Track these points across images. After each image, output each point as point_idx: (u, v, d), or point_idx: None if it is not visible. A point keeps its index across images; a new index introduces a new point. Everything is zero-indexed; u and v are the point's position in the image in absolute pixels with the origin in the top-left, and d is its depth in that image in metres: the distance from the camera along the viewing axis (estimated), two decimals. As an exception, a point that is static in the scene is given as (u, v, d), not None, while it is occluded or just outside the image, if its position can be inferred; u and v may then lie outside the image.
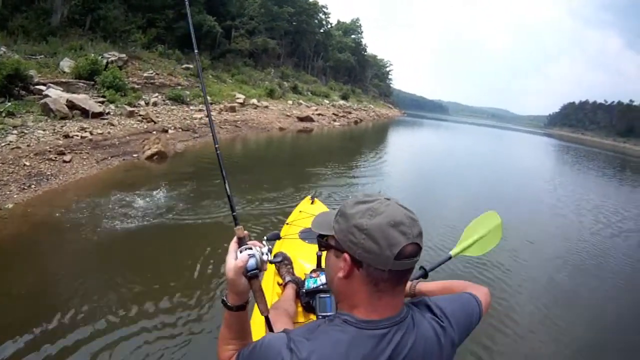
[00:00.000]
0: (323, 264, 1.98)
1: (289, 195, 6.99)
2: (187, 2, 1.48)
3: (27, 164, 6.92)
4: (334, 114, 30.62)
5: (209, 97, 17.21)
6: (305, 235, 2.80)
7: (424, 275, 1.56)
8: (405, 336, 0.87)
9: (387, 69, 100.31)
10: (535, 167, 19.93)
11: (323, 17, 54.91)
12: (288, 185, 7.76)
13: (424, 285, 1.33)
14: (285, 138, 17.67)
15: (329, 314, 1.65)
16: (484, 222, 1.83)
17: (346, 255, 0.86)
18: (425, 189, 10.40)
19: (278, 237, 1.49)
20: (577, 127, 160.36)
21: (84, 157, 7.99)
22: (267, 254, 1.06)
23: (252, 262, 1.02)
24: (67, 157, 7.60)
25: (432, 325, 0.94)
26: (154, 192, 6.47)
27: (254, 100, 23.29)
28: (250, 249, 1.05)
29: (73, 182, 6.73)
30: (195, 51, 1.44)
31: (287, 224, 3.30)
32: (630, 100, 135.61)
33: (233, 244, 1.06)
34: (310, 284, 1.94)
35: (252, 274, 1.03)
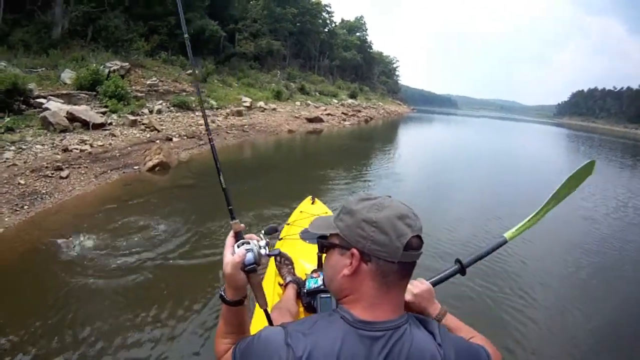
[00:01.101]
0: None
1: (298, 198, 6.36)
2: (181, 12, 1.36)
3: (22, 182, 6.56)
4: (343, 113, 30.08)
5: (214, 102, 16.99)
6: (306, 235, 2.39)
7: (461, 271, 1.46)
8: (399, 343, 0.84)
9: (394, 66, 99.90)
10: (552, 161, 19.12)
11: (327, 16, 54.60)
12: (297, 189, 7.36)
13: (451, 320, 1.22)
14: (294, 141, 17.22)
15: (311, 315, 1.45)
16: (576, 177, 1.76)
17: (354, 250, 0.87)
18: (439, 190, 9.83)
19: (275, 230, 1.40)
20: (587, 116, 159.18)
21: (82, 171, 7.58)
22: (264, 248, 1.05)
23: (249, 257, 1.01)
24: (64, 173, 7.21)
25: (430, 345, 0.87)
26: (149, 213, 5.91)
27: (261, 103, 22.88)
28: (248, 243, 1.04)
29: (68, 201, 6.30)
30: (191, 58, 1.36)
31: (288, 224, 3.31)
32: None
33: (230, 239, 1.07)
34: (311, 284, 1.93)
35: (250, 269, 1.02)
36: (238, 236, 1.07)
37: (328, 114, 26.80)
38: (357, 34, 69.57)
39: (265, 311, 1.14)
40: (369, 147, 16.71)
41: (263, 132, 16.91)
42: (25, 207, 5.73)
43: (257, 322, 1.89)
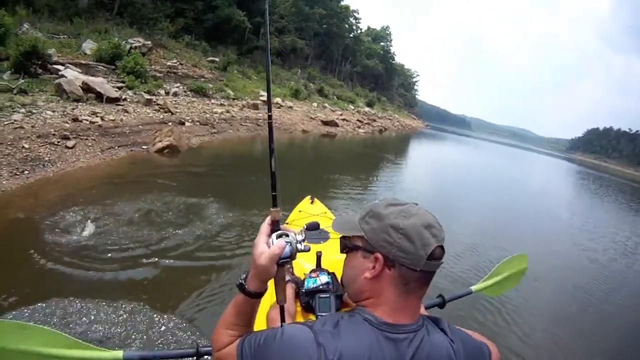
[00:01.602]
0: (322, 264, 2.00)
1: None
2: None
3: (26, 146, 6.39)
4: (358, 120, 29.81)
5: (231, 92, 16.77)
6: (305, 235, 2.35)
7: (441, 305, 1.58)
8: (422, 345, 0.85)
9: (414, 79, 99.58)
10: (563, 196, 18.54)
11: (354, 21, 54.39)
12: (306, 190, 6.90)
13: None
14: (307, 141, 17.00)
15: (328, 314, 1.55)
16: (512, 264, 1.83)
17: (379, 255, 0.86)
18: (444, 210, 9.52)
19: (318, 227, 1.19)
20: (600, 154, 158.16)
21: (89, 144, 7.39)
22: (301, 243, 0.99)
23: (287, 251, 0.96)
24: (70, 143, 7.05)
25: (445, 343, 0.89)
26: (150, 195, 5.63)
27: (279, 100, 22.67)
28: (287, 235, 0.99)
29: (70, 172, 6.12)
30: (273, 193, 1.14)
31: (287, 223, 3.18)
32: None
33: (266, 226, 1.00)
34: (309, 284, 1.87)
35: (283, 262, 0.97)
36: (275, 225, 1.01)
37: (343, 119, 26.54)
38: (382, 43, 69.35)
39: (281, 307, 1.15)
40: (381, 158, 16.34)
41: (277, 129, 16.65)
42: (26, 172, 5.59)
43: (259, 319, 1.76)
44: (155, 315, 3.03)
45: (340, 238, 1.00)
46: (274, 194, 1.10)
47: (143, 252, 3.99)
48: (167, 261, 3.92)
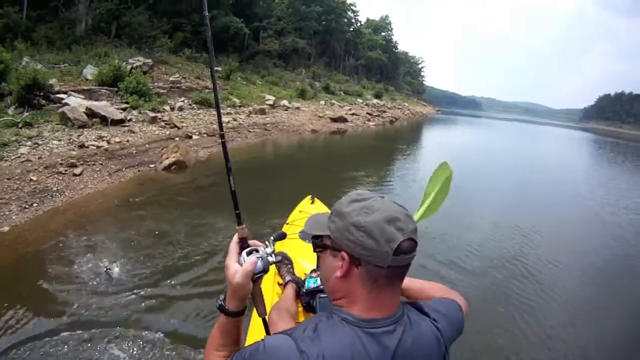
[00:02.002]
0: None
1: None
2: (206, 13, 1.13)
3: (34, 178, 6.38)
4: (368, 113, 29.44)
5: (237, 100, 16.70)
6: (305, 235, 2.28)
7: None
8: (405, 334, 0.86)
9: (419, 66, 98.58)
10: (581, 169, 17.77)
11: (352, 15, 53.77)
12: (316, 191, 6.74)
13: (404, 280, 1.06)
14: (317, 141, 16.72)
15: (307, 319, 1.31)
16: (437, 178, 1.81)
17: (344, 254, 0.86)
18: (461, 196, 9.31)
19: (284, 236, 1.19)
20: (614, 120, 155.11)
21: (97, 169, 7.33)
22: (271, 255, 1.02)
23: (259, 266, 0.97)
24: (77, 170, 7.01)
25: (429, 325, 0.93)
26: (158, 216, 5.54)
27: (285, 102, 22.47)
28: (257, 250, 1.00)
29: (78, 200, 6.02)
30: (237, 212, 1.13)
31: (287, 223, 3.29)
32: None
33: (235, 245, 1.01)
34: (310, 284, 1.91)
35: (257, 277, 0.98)
36: (243, 242, 1.02)
37: (352, 114, 26.21)
38: (383, 33, 68.64)
39: (264, 319, 1.15)
40: (395, 150, 16.03)
41: (286, 132, 16.49)
42: (35, 204, 5.54)
43: (254, 331, 1.86)
44: (171, 347, 2.93)
45: (312, 238, 0.99)
46: (237, 212, 1.10)
47: (153, 281, 3.86)
48: (178, 287, 3.79)
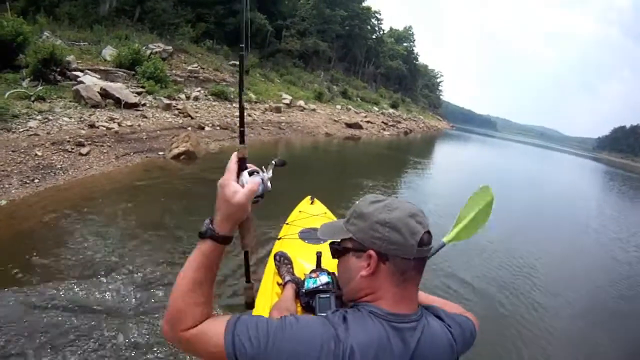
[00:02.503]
0: (323, 264, 1.99)
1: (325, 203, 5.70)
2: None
3: (39, 154, 6.20)
4: (383, 122, 29.15)
5: (253, 95, 16.51)
6: (305, 235, 2.79)
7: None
8: (424, 333, 0.87)
9: (438, 80, 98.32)
10: (591, 199, 17.19)
11: (376, 22, 53.55)
12: (327, 195, 6.40)
13: (421, 295, 1.17)
14: (330, 145, 16.44)
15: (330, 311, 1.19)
16: (477, 200, 1.75)
17: (371, 252, 0.87)
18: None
19: (284, 164, 1.17)
20: (627, 153, 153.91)
21: (104, 150, 7.12)
22: (269, 181, 0.99)
23: (260, 189, 0.94)
24: (84, 150, 6.80)
25: (444, 330, 0.94)
26: (161, 206, 5.38)
27: (301, 102, 22.24)
28: (258, 172, 0.97)
29: (80, 180, 5.84)
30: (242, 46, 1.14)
31: (287, 224, 3.25)
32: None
33: (234, 164, 0.94)
34: (310, 284, 1.84)
35: (255, 200, 0.94)
36: (242, 163, 0.95)
37: (368, 121, 25.95)
38: (405, 44, 68.40)
39: (246, 253, 1.14)
40: (407, 162, 15.52)
41: (299, 132, 16.27)
42: (36, 180, 5.42)
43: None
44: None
45: (330, 244, 1.00)
46: (241, 129, 1.05)
47: (146, 271, 3.64)
48: (170, 277, 3.57)
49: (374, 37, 53.65)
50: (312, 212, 3.40)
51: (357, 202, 0.96)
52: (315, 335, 0.79)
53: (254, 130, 13.39)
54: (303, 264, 2.32)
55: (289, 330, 0.80)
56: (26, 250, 3.66)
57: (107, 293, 3.20)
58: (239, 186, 0.90)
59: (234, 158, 0.94)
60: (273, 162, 1.06)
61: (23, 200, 4.79)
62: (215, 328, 0.82)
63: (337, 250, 0.98)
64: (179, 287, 0.85)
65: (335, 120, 21.97)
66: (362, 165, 12.62)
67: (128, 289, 3.29)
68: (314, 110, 22.46)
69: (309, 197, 3.86)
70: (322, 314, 0.89)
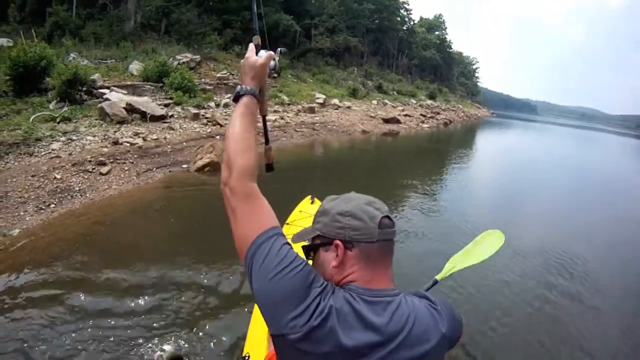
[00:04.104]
0: None
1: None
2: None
3: (58, 176, 5.98)
4: (421, 114, 28.04)
5: (285, 97, 16.06)
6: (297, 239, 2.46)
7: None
8: (400, 309, 0.91)
9: (474, 67, 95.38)
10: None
11: (405, 13, 52.26)
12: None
13: None
14: (368, 143, 15.72)
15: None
16: (484, 245, 1.87)
17: (337, 242, 0.93)
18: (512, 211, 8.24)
19: (286, 52, 1.05)
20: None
21: (126, 167, 6.78)
22: (277, 62, 1.17)
23: (272, 63, 1.14)
24: (105, 169, 6.54)
25: (427, 308, 0.98)
26: (176, 228, 5.00)
27: (335, 101, 21.48)
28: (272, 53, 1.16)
29: (97, 202, 5.54)
30: (255, 27, 1.28)
31: (287, 224, 3.31)
32: None
33: (252, 47, 1.13)
34: None
35: (269, 73, 1.14)
36: (257, 48, 1.15)
37: (405, 115, 24.94)
38: (436, 32, 66.58)
39: (264, 117, 1.21)
40: (452, 156, 14.68)
41: (335, 132, 15.59)
42: (52, 205, 5.31)
43: (255, 330, 2.11)
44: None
45: (302, 247, 1.03)
46: (255, 27, 1.23)
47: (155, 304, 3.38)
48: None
49: (404, 28, 52.27)
50: (312, 212, 3.26)
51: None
52: (313, 279, 0.88)
53: (286, 133, 12.86)
54: None
55: (287, 261, 0.88)
56: (28, 284, 3.48)
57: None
58: (256, 57, 1.10)
59: (251, 46, 1.13)
60: (279, 49, 1.24)
61: (36, 228, 4.58)
62: (257, 220, 0.93)
63: (308, 249, 1.02)
64: (231, 135, 1.01)
65: (371, 117, 21.12)
66: (401, 164, 11.90)
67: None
68: (349, 107, 21.67)
69: (309, 196, 3.94)
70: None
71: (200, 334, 3.01)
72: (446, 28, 68.81)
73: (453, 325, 1.01)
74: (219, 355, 2.82)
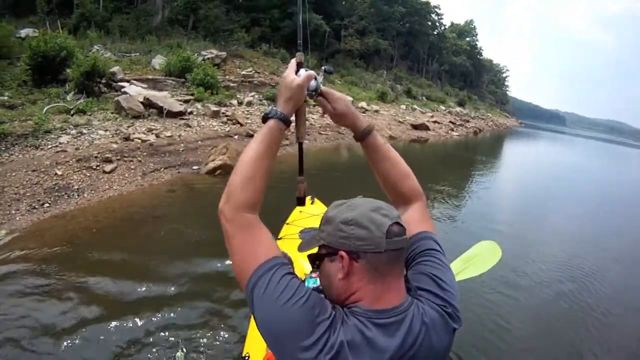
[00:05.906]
0: None
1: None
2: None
3: (59, 173, 5.61)
4: (450, 122, 27.14)
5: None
6: (305, 235, 2.76)
7: None
8: (413, 325, 0.85)
9: (504, 75, 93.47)
10: None
11: (436, 18, 51.62)
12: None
13: (378, 139, 1.21)
14: (395, 149, 14.92)
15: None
16: (481, 257, 1.91)
17: (342, 252, 0.86)
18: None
19: (332, 72, 1.40)
20: None
21: (132, 166, 6.33)
22: (321, 83, 1.10)
23: (313, 84, 1.06)
24: (109, 167, 6.11)
25: (438, 312, 0.90)
26: (171, 242, 4.42)
27: (363, 104, 20.84)
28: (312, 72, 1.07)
29: (93, 204, 5.11)
30: (299, 41, 1.22)
31: (287, 224, 3.25)
32: None
33: (293, 64, 1.07)
34: (310, 285, 1.84)
35: (310, 94, 1.07)
36: (299, 67, 1.07)
37: (435, 122, 24.13)
38: (467, 38, 65.44)
39: (300, 145, 1.22)
40: (484, 167, 13.96)
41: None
42: (46, 205, 4.89)
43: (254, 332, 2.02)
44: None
45: (308, 256, 0.99)
46: (299, 41, 1.19)
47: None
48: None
49: (435, 33, 51.46)
50: (312, 212, 3.41)
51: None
52: (323, 311, 0.82)
53: (310, 135, 12.33)
54: (304, 265, 2.32)
55: (299, 294, 0.83)
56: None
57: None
58: (297, 77, 1.02)
59: (293, 62, 1.06)
60: (323, 68, 1.17)
61: (24, 230, 4.28)
62: (256, 251, 0.89)
63: (314, 259, 0.96)
64: (242, 160, 0.96)
65: (400, 122, 20.41)
66: (426, 171, 11.10)
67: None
68: (377, 111, 21.04)
69: (309, 197, 3.70)
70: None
71: (200, 334, 2.94)
72: (477, 34, 67.76)
73: (458, 312, 0.94)
74: (219, 355, 2.75)
